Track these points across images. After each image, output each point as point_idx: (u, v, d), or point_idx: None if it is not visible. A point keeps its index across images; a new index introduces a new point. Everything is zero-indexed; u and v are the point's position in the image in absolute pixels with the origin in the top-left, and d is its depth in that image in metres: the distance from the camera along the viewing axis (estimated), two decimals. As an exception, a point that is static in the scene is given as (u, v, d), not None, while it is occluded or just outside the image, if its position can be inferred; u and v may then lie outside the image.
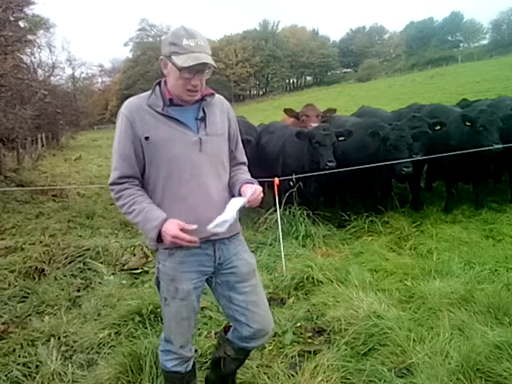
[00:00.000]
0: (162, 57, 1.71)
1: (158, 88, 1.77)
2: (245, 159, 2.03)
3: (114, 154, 1.76)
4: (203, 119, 1.77)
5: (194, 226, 1.65)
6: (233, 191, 1.87)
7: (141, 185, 1.78)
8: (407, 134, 4.59)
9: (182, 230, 1.62)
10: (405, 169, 4.43)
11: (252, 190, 1.74)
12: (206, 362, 2.45)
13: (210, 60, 1.65)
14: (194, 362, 2.00)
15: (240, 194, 1.80)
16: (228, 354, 2.01)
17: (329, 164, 4.48)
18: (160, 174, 1.73)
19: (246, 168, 2.01)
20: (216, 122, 1.81)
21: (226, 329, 2.06)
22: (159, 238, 1.67)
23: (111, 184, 1.75)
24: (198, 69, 1.66)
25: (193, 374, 2.01)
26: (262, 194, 1.79)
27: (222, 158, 1.84)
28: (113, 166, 1.75)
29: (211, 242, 1.80)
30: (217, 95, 1.87)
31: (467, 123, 4.80)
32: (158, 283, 1.86)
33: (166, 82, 1.77)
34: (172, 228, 1.62)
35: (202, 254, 1.80)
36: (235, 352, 2.00)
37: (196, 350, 2.18)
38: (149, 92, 1.77)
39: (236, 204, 1.72)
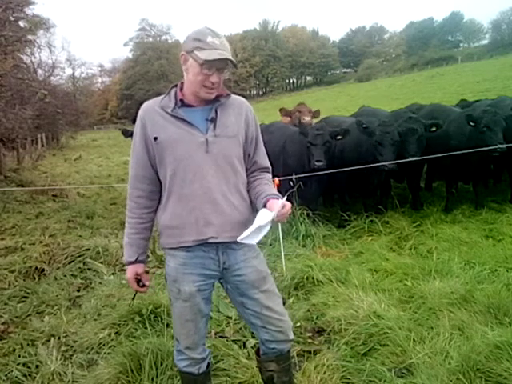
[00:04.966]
0: (183, 52, 1.71)
1: (173, 90, 1.78)
2: (267, 164, 1.94)
3: (130, 154, 1.83)
4: (213, 120, 1.74)
5: (147, 283, 1.89)
6: (256, 203, 1.80)
7: (153, 189, 1.82)
8: (392, 131, 4.56)
9: (139, 274, 1.85)
10: (387, 165, 4.44)
11: (281, 205, 1.64)
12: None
13: (232, 58, 1.68)
14: (208, 364, 1.97)
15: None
16: (272, 369, 1.97)
17: (317, 164, 4.46)
18: (166, 174, 1.74)
19: (269, 176, 1.91)
20: (228, 124, 1.76)
21: (257, 352, 2.03)
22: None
23: (130, 186, 1.84)
24: (219, 66, 1.67)
25: (207, 376, 1.98)
26: (290, 210, 1.69)
27: (231, 160, 1.77)
28: (129, 166, 1.85)
29: (213, 245, 1.76)
30: (236, 97, 1.84)
31: (471, 123, 4.79)
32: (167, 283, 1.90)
33: (182, 85, 1.78)
34: (130, 272, 1.85)
35: (204, 257, 1.78)
36: (275, 362, 1.95)
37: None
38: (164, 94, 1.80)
39: (265, 217, 1.64)
